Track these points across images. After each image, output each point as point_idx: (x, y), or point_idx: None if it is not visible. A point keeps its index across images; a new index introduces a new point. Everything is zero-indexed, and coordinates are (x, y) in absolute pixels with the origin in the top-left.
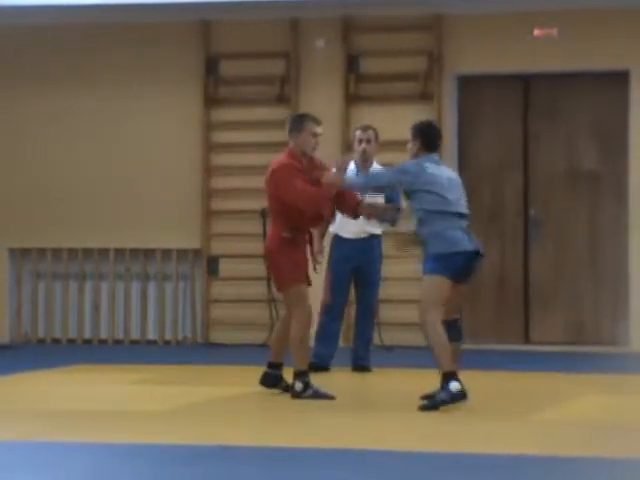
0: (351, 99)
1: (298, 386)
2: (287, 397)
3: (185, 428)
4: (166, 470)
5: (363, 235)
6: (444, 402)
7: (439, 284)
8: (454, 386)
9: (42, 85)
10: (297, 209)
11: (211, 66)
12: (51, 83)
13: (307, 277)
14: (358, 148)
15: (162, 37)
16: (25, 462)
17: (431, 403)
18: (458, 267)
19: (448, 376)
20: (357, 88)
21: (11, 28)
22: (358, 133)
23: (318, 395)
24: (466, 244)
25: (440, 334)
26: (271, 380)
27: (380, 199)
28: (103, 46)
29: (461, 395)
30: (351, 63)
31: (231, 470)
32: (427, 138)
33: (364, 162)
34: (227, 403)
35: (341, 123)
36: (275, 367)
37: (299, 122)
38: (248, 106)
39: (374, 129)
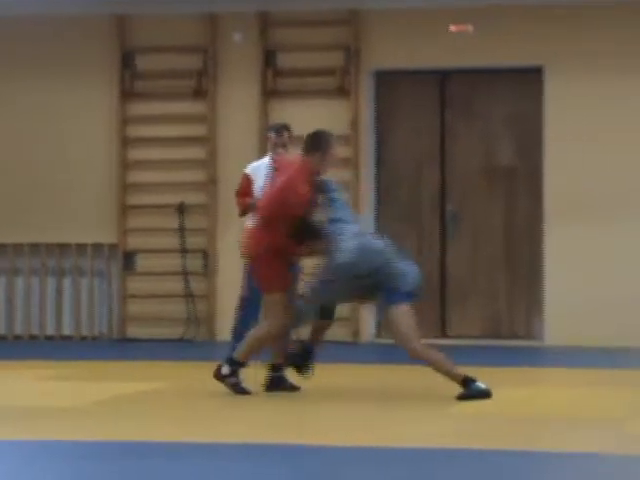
0: (268, 94)
1: (226, 369)
2: (202, 393)
3: (98, 424)
4: (78, 467)
5: None
6: None
7: None
8: None
9: None
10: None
11: (128, 60)
12: None
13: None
14: (274, 151)
15: (78, 31)
16: None
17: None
18: None
19: None
20: (274, 83)
21: None
22: (272, 137)
23: (237, 388)
24: None
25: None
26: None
27: None
28: (18, 39)
29: None
30: (268, 58)
31: (144, 466)
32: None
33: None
34: (142, 399)
35: (259, 117)
36: (276, 369)
37: (326, 140)
38: (165, 100)
39: (288, 127)
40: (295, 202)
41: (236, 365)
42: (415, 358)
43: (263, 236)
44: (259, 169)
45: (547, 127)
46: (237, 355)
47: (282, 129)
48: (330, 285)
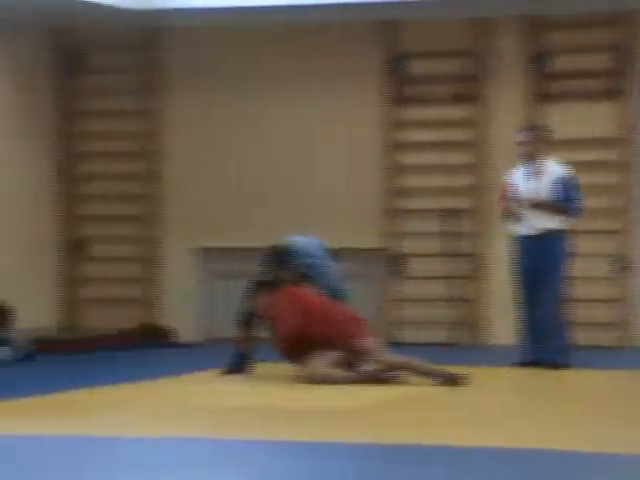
0: (537, 97)
1: None
2: (473, 397)
3: (377, 426)
4: (345, 467)
5: (538, 231)
6: None
7: None
8: None
9: (232, 88)
10: None
11: (395, 65)
12: (240, 85)
13: None
14: (519, 151)
15: (346, 36)
16: (206, 458)
17: None
18: None
19: None
20: (543, 86)
21: (204, 29)
22: (518, 136)
23: None
24: None
25: None
26: None
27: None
28: (288, 46)
29: None
30: (538, 60)
31: (423, 470)
32: None
33: (527, 161)
34: (413, 402)
35: (528, 121)
36: None
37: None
38: (430, 105)
39: (536, 128)
40: None
41: None
42: None
43: None
44: (516, 174)
45: None
46: None
47: (527, 128)
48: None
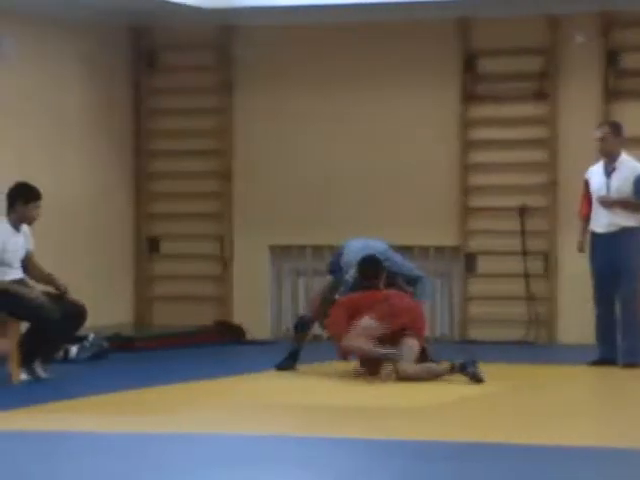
0: (610, 95)
1: None
2: (543, 396)
3: (439, 425)
4: (416, 466)
5: (613, 228)
6: None
7: None
8: None
9: (304, 86)
10: None
11: (470, 63)
12: (313, 84)
13: None
14: (598, 147)
15: (421, 35)
16: (278, 455)
17: None
18: None
19: None
20: (617, 84)
21: (278, 27)
22: (594, 132)
23: None
24: None
25: None
26: None
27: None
28: (361, 46)
29: None
30: (610, 58)
31: (480, 468)
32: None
33: (606, 158)
34: (483, 400)
35: (600, 119)
36: None
37: None
38: (506, 103)
39: (610, 124)
40: None
41: None
42: None
43: None
44: (593, 172)
45: None
46: None
47: (602, 125)
48: None
